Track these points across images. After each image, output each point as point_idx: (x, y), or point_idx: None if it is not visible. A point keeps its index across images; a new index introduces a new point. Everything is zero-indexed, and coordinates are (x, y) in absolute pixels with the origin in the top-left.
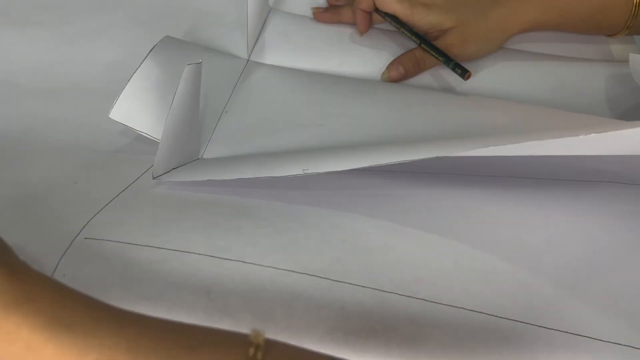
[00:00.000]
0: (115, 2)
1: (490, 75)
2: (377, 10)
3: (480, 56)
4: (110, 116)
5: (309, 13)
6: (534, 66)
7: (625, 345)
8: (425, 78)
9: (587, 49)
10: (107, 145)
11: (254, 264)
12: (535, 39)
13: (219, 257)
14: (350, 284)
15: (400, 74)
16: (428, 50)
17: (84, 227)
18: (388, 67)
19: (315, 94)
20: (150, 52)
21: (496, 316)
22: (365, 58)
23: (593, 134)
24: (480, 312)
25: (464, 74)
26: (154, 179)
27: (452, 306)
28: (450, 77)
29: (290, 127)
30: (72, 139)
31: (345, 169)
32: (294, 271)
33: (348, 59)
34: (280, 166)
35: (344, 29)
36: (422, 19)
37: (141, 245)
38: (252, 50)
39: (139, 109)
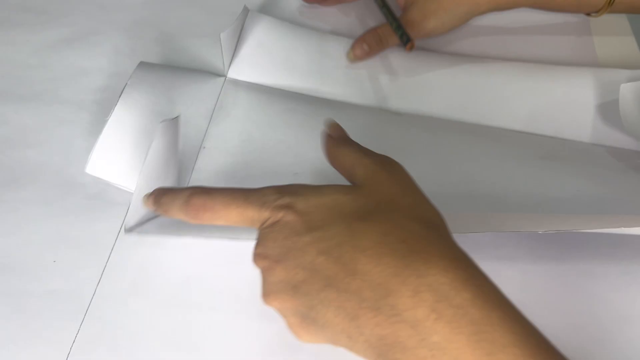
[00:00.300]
0: (98, 6)
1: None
2: None
3: (444, 31)
4: (86, 171)
5: (292, 16)
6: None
7: None
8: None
9: (568, 42)
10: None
11: None
12: (513, 32)
13: None
14: None
15: (364, 51)
16: (382, 11)
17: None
18: (352, 46)
19: (291, 130)
20: (120, 95)
21: None
22: (346, 77)
23: None
24: None
25: (407, 42)
26: (125, 232)
27: None
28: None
29: (266, 173)
30: (43, 160)
31: None
32: None
33: (328, 78)
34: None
35: (326, 42)
36: None
37: None
38: (230, 65)
39: (115, 160)
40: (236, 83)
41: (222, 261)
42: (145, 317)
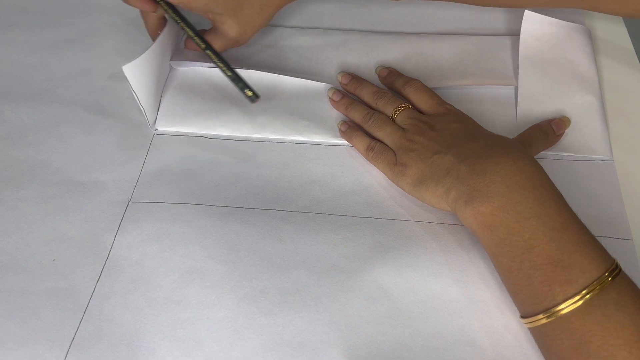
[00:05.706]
0: (97, 8)
1: None
2: None
3: (258, 29)
4: (123, 68)
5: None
6: None
7: None
8: None
9: None
10: (77, 173)
11: None
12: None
13: None
14: None
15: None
16: (214, 59)
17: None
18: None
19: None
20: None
21: None
22: None
23: None
24: None
25: (254, 99)
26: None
27: None
28: None
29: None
30: (42, 158)
31: None
32: None
33: None
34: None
35: None
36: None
37: None
38: None
39: (144, 74)
40: None
41: (220, 257)
42: (145, 314)
